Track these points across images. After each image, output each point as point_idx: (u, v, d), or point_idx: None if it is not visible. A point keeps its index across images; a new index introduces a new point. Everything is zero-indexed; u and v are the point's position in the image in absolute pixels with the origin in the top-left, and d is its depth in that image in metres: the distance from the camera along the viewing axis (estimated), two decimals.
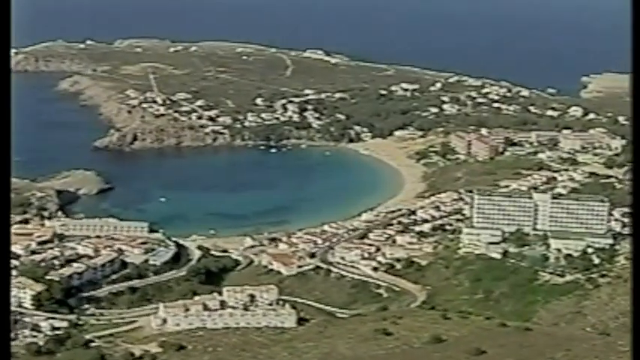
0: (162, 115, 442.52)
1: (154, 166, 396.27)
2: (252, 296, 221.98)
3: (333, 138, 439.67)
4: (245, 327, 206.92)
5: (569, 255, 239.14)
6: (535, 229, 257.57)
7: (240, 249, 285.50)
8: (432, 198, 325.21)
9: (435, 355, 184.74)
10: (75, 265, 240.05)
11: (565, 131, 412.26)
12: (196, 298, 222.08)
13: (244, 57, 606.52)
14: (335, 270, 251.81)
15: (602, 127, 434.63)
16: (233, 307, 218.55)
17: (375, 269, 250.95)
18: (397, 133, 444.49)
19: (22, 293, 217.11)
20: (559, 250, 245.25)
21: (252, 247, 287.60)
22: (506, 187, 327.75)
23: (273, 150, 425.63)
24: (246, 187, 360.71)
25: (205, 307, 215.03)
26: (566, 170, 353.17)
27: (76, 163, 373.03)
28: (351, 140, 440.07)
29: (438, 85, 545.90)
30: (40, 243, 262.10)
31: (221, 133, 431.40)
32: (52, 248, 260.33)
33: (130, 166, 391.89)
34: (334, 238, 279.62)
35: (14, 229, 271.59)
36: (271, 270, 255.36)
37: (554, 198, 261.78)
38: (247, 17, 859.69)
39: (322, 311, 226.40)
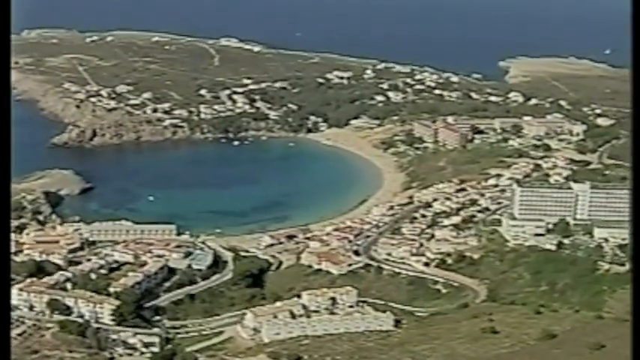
0: (115, 109, 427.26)
1: (125, 163, 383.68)
2: (333, 299, 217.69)
3: (292, 129, 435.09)
4: (346, 332, 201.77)
5: (624, 245, 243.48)
6: (575, 219, 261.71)
7: (261, 248, 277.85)
8: (430, 189, 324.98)
9: (557, 352, 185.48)
10: (131, 274, 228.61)
11: (526, 118, 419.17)
12: (278, 304, 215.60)
13: (166, 47, 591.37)
14: (387, 267, 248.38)
15: (548, 113, 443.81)
16: (315, 312, 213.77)
17: (427, 264, 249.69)
18: (353, 122, 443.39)
19: (99, 308, 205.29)
20: (606, 239, 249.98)
21: (272, 245, 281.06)
22: (499, 175, 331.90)
23: (236, 143, 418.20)
24: (228, 182, 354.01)
25: (292, 314, 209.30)
26: (547, 157, 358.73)
27: (38, 162, 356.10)
28: (309, 131, 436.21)
29: (369, 72, 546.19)
30: (71, 251, 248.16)
31: (180, 127, 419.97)
32: (85, 256, 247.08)
33: (99, 164, 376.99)
34: (363, 234, 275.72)
35: (33, 236, 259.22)
36: (319, 270, 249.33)
37: (592, 187, 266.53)
38: (151, 6, 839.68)
39: (400, 310, 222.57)
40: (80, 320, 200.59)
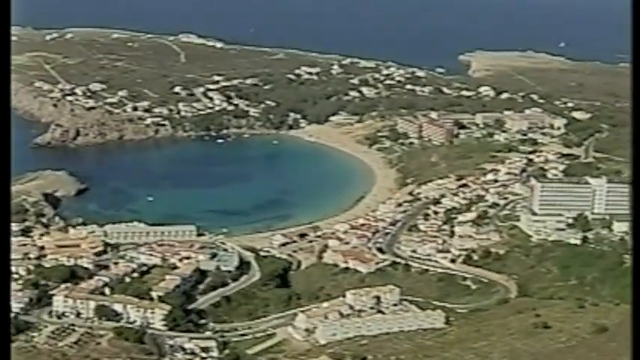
0: (93, 108, 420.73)
1: (114, 163, 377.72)
2: (377, 298, 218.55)
3: (274, 126, 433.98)
4: (400, 331, 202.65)
5: None
6: (593, 214, 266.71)
7: (275, 247, 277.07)
8: (430, 185, 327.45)
9: (614, 345, 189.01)
10: (168, 277, 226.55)
11: (507, 112, 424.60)
12: (325, 304, 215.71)
13: (128, 44, 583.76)
14: (415, 264, 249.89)
15: (521, 107, 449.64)
16: (361, 311, 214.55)
17: (453, 261, 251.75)
18: (333, 118, 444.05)
19: (150, 313, 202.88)
20: (626, 232, 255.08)
21: (285, 244, 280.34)
22: (496, 170, 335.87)
23: (220, 140, 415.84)
24: (221, 181, 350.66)
25: (340, 314, 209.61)
26: (536, 152, 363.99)
27: (23, 163, 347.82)
28: (290, 127, 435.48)
29: (336, 67, 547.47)
30: (96, 254, 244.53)
31: (162, 125, 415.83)
32: (110, 259, 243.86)
33: (89, 164, 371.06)
34: (380, 232, 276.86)
35: (53, 240, 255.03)
36: (347, 268, 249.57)
37: (609, 182, 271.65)
38: (100, 2, 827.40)
39: (440, 307, 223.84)
40: (134, 326, 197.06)
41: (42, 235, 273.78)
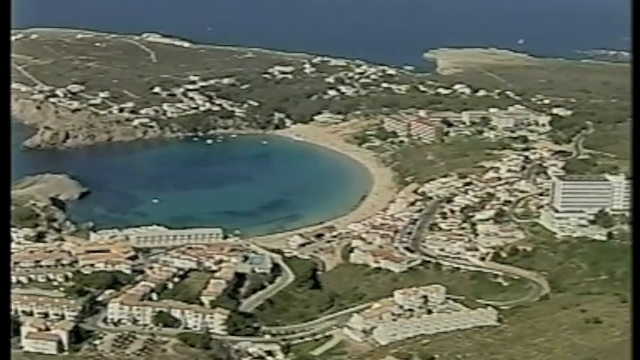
0: (78, 109, 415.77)
1: (111, 165, 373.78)
2: (424, 297, 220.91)
3: (260, 126, 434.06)
4: (457, 329, 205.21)
5: None
6: (612, 210, 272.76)
7: (294, 247, 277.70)
8: (433, 184, 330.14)
9: None
10: (212, 281, 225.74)
11: (492, 110, 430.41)
12: (376, 305, 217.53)
13: (96, 44, 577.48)
14: (446, 263, 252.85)
15: (498, 104, 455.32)
16: (410, 310, 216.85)
17: (482, 259, 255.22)
18: (317, 117, 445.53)
19: (209, 318, 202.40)
20: None
21: (304, 245, 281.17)
22: (497, 168, 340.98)
23: (209, 141, 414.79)
24: (221, 182, 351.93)
25: (393, 314, 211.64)
26: (530, 149, 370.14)
27: (16, 165, 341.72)
28: (276, 127, 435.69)
29: (308, 66, 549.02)
30: (129, 258, 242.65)
31: (150, 126, 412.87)
32: (144, 264, 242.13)
33: (85, 167, 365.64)
34: (401, 231, 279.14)
35: (84, 245, 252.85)
36: (379, 268, 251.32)
37: (627, 179, 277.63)
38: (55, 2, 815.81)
39: (481, 305, 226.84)
40: (199, 332, 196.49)
41: (56, 240, 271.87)
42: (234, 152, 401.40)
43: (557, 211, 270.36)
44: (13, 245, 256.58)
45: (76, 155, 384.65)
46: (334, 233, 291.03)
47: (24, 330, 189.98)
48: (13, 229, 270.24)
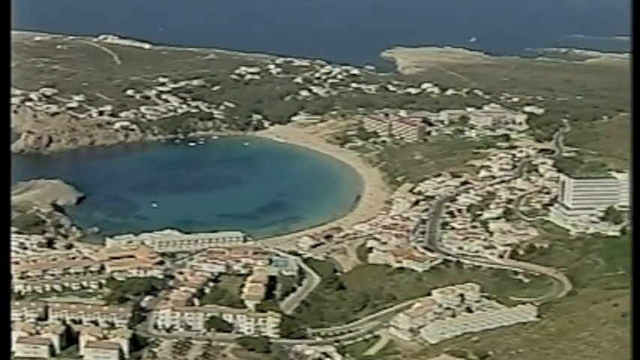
0: (57, 113, 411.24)
1: (101, 169, 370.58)
2: (461, 296, 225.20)
3: (240, 127, 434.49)
4: (500, 326, 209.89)
5: None
6: (620, 207, 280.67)
7: (305, 249, 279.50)
8: (429, 183, 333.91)
9: None
10: (249, 285, 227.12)
11: (469, 109, 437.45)
12: (417, 304, 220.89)
13: (57, 46, 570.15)
14: (466, 261, 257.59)
15: (469, 103, 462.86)
16: (448, 309, 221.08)
17: (501, 257, 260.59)
18: (295, 118, 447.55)
19: (262, 322, 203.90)
20: None
21: (315, 246, 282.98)
22: (488, 167, 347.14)
23: (192, 144, 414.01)
24: (213, 184, 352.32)
25: (435, 313, 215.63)
26: (515, 147, 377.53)
27: None
28: (255, 128, 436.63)
29: (272, 66, 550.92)
30: (156, 264, 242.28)
31: (131, 130, 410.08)
32: (171, 269, 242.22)
33: (75, 171, 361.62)
34: (412, 231, 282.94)
35: (103, 252, 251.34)
36: (401, 268, 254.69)
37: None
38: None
39: (511, 302, 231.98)
40: (258, 336, 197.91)
41: (67, 246, 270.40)
42: (219, 154, 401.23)
43: (568, 209, 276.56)
44: (29, 253, 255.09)
45: (62, 159, 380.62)
46: (342, 234, 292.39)
47: (82, 339, 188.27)
48: (23, 236, 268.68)
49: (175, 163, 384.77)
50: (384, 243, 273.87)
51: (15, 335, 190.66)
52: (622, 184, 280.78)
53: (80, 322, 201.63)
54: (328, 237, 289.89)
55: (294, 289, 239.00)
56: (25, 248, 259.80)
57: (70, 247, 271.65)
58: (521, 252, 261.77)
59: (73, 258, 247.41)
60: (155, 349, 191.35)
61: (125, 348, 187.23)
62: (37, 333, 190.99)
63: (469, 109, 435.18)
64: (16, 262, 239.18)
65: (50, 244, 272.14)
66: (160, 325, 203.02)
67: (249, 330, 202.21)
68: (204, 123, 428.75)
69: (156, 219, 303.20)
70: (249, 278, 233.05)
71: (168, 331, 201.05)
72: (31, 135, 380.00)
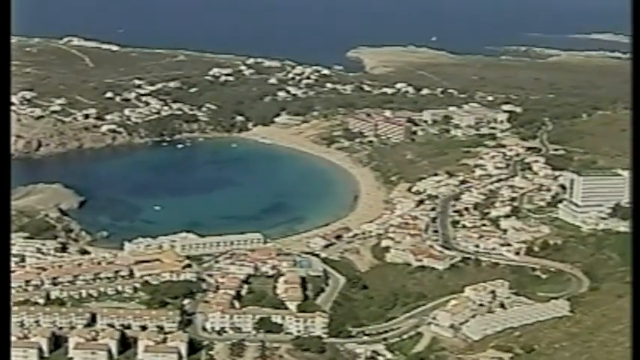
0: (42, 117, 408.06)
1: (95, 173, 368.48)
2: (492, 292, 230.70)
3: (225, 129, 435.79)
4: (537, 321, 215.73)
5: None
6: (627, 203, 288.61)
7: (317, 249, 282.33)
8: (426, 182, 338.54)
9: None
10: (284, 286, 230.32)
11: (451, 108, 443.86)
12: (453, 302, 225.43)
13: (26, 49, 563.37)
14: (484, 259, 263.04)
15: (446, 102, 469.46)
16: (482, 305, 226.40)
17: (517, 253, 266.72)
18: (277, 119, 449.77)
19: (310, 322, 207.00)
20: None
21: (327, 246, 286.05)
22: (482, 166, 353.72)
23: (180, 145, 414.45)
24: (210, 186, 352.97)
25: (472, 309, 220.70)
26: (504, 146, 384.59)
27: None
28: (240, 130, 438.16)
29: (244, 67, 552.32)
30: (185, 267, 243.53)
31: (118, 132, 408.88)
32: (200, 272, 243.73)
33: (69, 175, 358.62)
34: (424, 230, 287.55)
35: (128, 257, 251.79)
36: (422, 267, 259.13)
37: None
38: None
39: (537, 297, 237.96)
40: (312, 336, 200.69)
41: (80, 251, 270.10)
42: (208, 156, 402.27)
43: (577, 206, 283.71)
44: (50, 258, 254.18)
45: (53, 163, 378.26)
46: (351, 234, 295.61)
47: (141, 344, 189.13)
48: (36, 241, 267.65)
49: (167, 166, 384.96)
50: (399, 242, 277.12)
51: (72, 342, 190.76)
52: (628, 181, 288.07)
53: (129, 326, 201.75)
54: (338, 237, 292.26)
55: (322, 290, 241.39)
56: (43, 253, 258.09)
57: (84, 252, 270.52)
58: (536, 249, 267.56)
59: (99, 263, 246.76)
60: (211, 352, 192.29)
61: (183, 351, 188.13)
62: (94, 339, 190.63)
63: (451, 109, 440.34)
64: (43, 268, 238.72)
65: (64, 249, 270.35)
66: (209, 327, 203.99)
67: (298, 331, 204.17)
68: (189, 125, 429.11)
69: (162, 222, 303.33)
70: (281, 279, 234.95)
71: (218, 333, 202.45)
72: (20, 139, 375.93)
